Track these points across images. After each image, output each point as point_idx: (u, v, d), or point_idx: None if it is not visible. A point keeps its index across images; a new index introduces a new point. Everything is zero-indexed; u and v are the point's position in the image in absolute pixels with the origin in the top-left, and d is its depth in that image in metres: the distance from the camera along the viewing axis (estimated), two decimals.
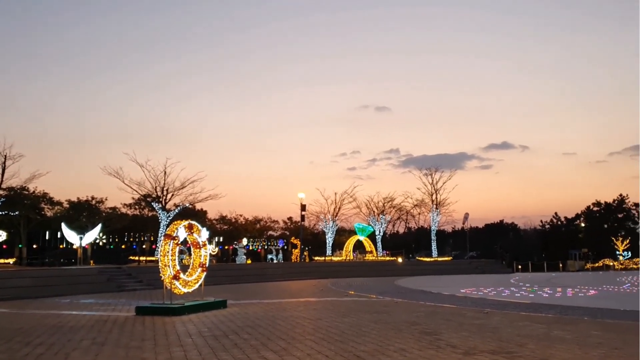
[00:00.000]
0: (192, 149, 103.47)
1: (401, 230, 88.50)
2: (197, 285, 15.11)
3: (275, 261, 47.99)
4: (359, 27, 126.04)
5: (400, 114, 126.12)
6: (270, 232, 73.38)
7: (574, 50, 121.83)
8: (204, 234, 15.62)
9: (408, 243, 76.19)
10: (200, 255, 15.34)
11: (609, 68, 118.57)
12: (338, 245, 56.48)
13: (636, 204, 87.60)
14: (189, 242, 15.46)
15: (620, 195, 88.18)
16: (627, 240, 69.98)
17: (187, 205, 43.62)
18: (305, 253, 50.44)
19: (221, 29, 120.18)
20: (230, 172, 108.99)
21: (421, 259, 55.30)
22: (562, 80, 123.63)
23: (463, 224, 66.62)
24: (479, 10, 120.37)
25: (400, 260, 51.07)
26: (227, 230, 66.92)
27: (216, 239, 45.26)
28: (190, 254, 16.34)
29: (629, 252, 68.77)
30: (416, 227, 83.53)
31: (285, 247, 52.70)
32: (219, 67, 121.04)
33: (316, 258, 51.54)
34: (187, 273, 14.94)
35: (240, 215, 72.33)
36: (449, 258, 57.35)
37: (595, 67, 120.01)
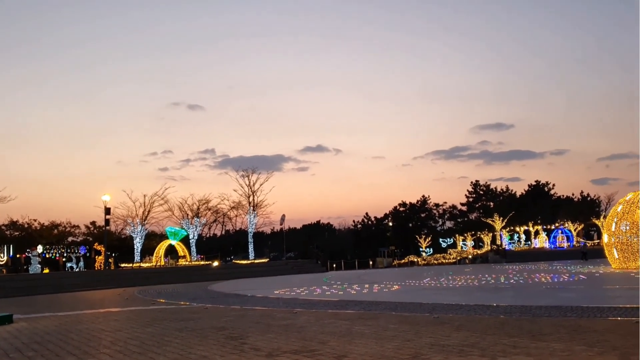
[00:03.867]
0: None
1: (218, 233, 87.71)
2: None
3: (75, 269, 44.59)
4: (170, 24, 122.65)
5: (215, 113, 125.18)
6: (72, 238, 68.06)
7: (383, 60, 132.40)
8: None
9: (225, 246, 75.75)
10: None
11: (415, 77, 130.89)
12: (148, 251, 53.88)
13: (437, 204, 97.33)
14: None
15: (423, 196, 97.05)
16: (429, 238, 77.19)
17: None
18: (111, 260, 47.39)
19: (31, 26, 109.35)
20: (25, 174, 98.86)
21: (238, 262, 55.14)
22: (371, 87, 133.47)
23: (280, 225, 68.12)
24: (295, 12, 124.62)
25: (215, 264, 50.36)
26: (19, 237, 60.70)
27: (5, 247, 40.61)
28: None
29: (431, 249, 75.77)
30: (234, 230, 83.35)
31: (88, 253, 49.16)
32: (22, 64, 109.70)
33: (123, 265, 48.60)
34: None
35: (35, 220, 66.31)
36: (266, 260, 58.04)
37: (402, 76, 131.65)
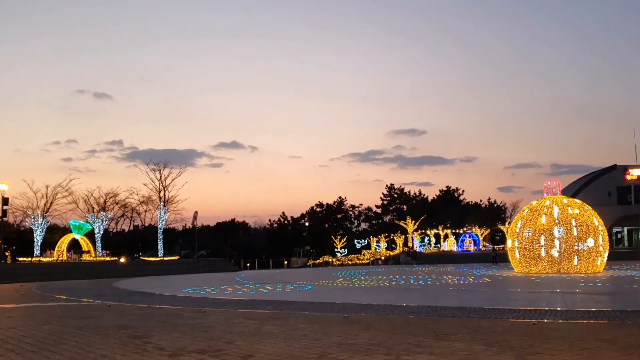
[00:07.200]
0: None
1: (126, 229, 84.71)
2: None
3: None
4: (78, 5, 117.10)
5: (124, 103, 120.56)
6: None
7: (302, 60, 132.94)
8: None
9: (134, 242, 73.22)
10: None
11: (333, 79, 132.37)
12: (49, 245, 51.32)
13: (353, 206, 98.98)
14: None
15: (340, 197, 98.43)
16: (344, 239, 78.26)
17: None
18: (7, 253, 44.70)
19: None
20: None
21: (146, 258, 53.48)
22: (289, 86, 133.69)
23: (192, 222, 66.70)
24: (212, 10, 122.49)
25: (122, 260, 48.60)
26: None
27: None
28: None
29: (346, 250, 76.80)
30: (143, 225, 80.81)
31: None
32: None
33: (21, 259, 46.03)
34: None
35: None
36: (176, 257, 56.65)
37: (321, 77, 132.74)
